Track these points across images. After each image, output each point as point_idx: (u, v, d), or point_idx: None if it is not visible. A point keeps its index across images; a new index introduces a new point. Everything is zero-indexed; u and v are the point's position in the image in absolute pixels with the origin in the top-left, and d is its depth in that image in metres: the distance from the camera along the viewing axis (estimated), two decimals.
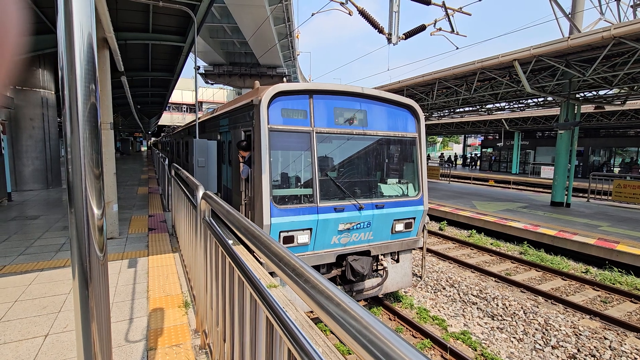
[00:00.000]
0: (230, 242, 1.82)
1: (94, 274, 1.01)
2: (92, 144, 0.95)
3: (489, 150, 36.50)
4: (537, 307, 6.51)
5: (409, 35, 8.61)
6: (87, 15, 0.92)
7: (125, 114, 28.37)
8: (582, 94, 14.83)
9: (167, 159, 9.35)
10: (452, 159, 45.64)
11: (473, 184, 25.36)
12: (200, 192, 2.43)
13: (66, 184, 0.97)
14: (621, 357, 5.13)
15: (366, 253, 5.95)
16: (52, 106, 11.75)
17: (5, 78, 0.42)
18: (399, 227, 6.17)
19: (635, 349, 5.29)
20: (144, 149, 60.86)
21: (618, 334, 5.74)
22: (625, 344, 5.38)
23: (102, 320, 1.05)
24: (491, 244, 10.68)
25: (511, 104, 19.60)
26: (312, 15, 10.13)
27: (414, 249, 6.80)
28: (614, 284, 7.71)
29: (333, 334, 0.70)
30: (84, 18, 0.90)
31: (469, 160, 44.30)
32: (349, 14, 8.04)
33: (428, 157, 43.66)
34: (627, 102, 16.07)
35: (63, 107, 0.92)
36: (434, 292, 7.54)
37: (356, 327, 0.62)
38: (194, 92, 11.78)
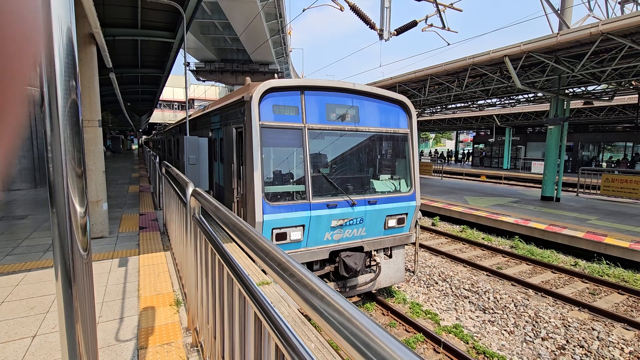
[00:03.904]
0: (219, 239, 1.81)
1: (77, 273, 0.98)
2: (74, 142, 0.93)
3: (481, 146, 36.83)
4: (528, 300, 6.61)
5: (400, 31, 8.62)
6: (66, 7, 0.89)
7: (115, 111, 27.97)
8: (571, 90, 15.02)
9: (158, 157, 9.24)
10: (445, 155, 46.06)
11: (465, 179, 25.58)
12: (190, 189, 2.40)
13: (47, 184, 0.95)
14: (608, 347, 5.24)
15: (359, 249, 5.97)
16: (38, 104, 11.52)
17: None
18: (392, 222, 6.21)
19: (622, 339, 5.41)
20: (135, 147, 60.11)
21: (606, 324, 5.87)
22: (612, 335, 5.51)
23: (87, 320, 1.03)
24: (483, 238, 10.81)
25: (502, 100, 19.78)
26: (304, 10, 10.07)
27: (406, 245, 6.85)
28: (602, 276, 7.87)
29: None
30: (63, 11, 0.88)
31: (460, 156, 44.75)
32: (340, 9, 8.02)
33: (421, 154, 43.96)
34: (615, 97, 16.33)
35: (42, 104, 0.90)
36: (427, 287, 7.61)
37: (339, 320, 0.62)
38: (185, 89, 11.64)
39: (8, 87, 0.39)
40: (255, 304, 1.17)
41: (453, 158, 45.52)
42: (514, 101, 19.93)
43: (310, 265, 5.70)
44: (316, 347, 2.80)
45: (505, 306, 6.47)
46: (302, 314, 3.51)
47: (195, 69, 46.60)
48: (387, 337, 0.53)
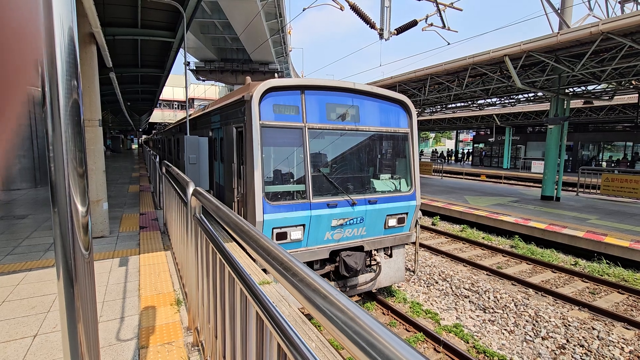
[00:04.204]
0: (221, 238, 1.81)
1: (79, 273, 0.98)
2: (75, 142, 0.93)
3: (481, 145, 36.82)
4: (528, 300, 6.62)
5: (400, 30, 8.61)
6: (67, 7, 0.89)
7: (115, 111, 27.95)
8: (571, 89, 15.02)
9: (158, 157, 9.24)
10: (445, 155, 46.10)
11: (465, 179, 25.58)
12: (191, 189, 2.40)
13: (48, 183, 0.95)
14: (608, 346, 5.25)
15: (359, 248, 5.97)
16: (39, 103, 11.52)
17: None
18: (392, 222, 6.21)
19: (622, 338, 5.42)
20: (135, 146, 60.10)
21: (606, 324, 5.87)
22: (612, 334, 5.51)
23: (88, 320, 1.03)
24: (483, 238, 10.81)
25: (502, 99, 19.77)
26: (304, 10, 10.07)
27: (407, 244, 6.85)
28: (602, 275, 7.87)
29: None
30: (64, 10, 0.88)
31: (460, 155, 44.78)
32: (341, 9, 8.01)
33: (421, 153, 43.97)
34: (615, 97, 16.32)
35: (44, 104, 0.90)
36: (427, 287, 7.61)
37: (342, 319, 0.62)
38: (185, 88, 11.64)
39: (10, 86, 0.39)
40: (257, 304, 1.17)
41: (453, 157, 45.55)
42: (514, 101, 19.91)
43: (310, 265, 5.70)
44: (317, 347, 2.81)
45: (506, 305, 6.48)
46: (302, 313, 3.52)
47: (195, 68, 46.59)
48: (392, 337, 0.53)
